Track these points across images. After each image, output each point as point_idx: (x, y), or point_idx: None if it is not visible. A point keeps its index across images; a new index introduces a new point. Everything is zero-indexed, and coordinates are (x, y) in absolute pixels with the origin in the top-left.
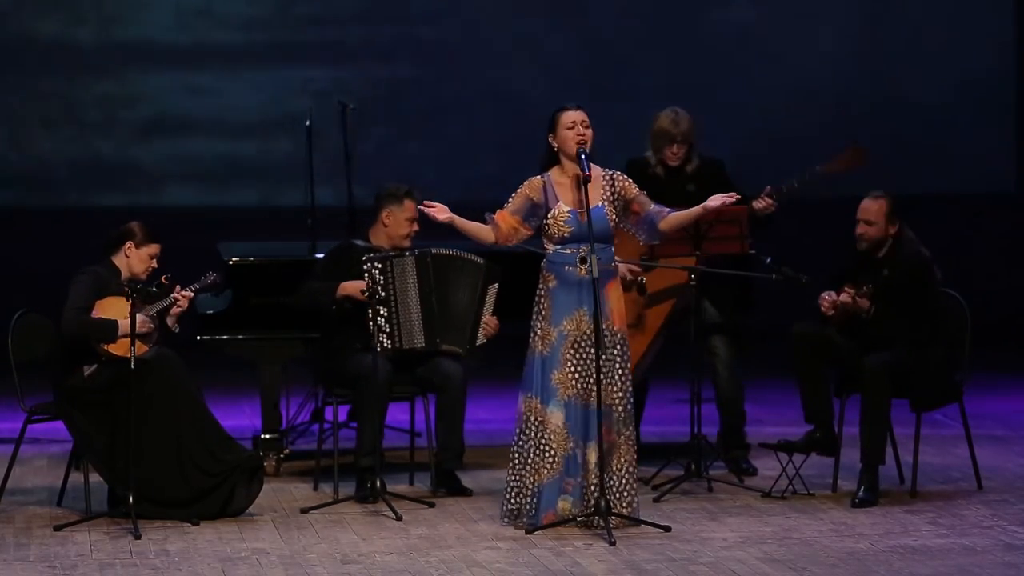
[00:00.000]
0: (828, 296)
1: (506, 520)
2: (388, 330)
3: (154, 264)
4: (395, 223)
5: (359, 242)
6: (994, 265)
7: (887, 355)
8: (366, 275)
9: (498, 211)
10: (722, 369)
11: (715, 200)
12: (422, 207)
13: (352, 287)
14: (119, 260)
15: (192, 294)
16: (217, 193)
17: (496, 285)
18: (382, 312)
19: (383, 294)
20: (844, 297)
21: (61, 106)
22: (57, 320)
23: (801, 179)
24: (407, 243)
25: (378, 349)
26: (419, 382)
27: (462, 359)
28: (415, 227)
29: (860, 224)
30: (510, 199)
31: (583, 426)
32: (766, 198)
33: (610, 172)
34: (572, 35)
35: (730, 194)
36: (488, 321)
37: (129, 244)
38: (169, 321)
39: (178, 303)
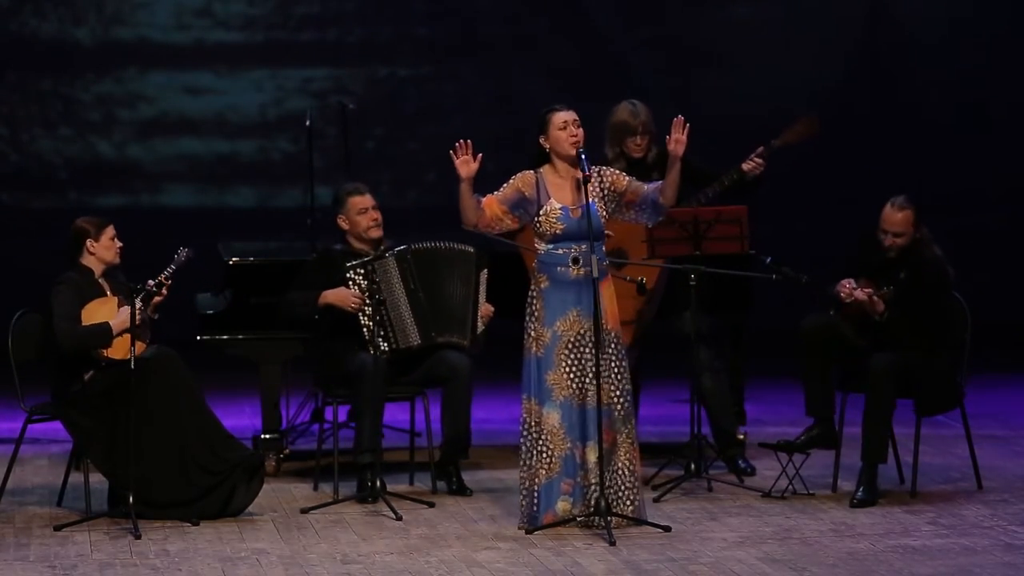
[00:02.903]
0: (848, 283)
1: (524, 522)
2: (383, 333)
3: (119, 244)
4: (351, 222)
5: (337, 246)
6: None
7: (894, 355)
8: (352, 284)
9: (487, 196)
10: (704, 371)
11: (676, 148)
12: (456, 151)
13: (334, 296)
14: (87, 260)
15: (169, 280)
16: (217, 193)
17: (486, 271)
18: (375, 317)
19: (370, 300)
20: (860, 294)
21: (61, 106)
22: (48, 328)
23: (759, 155)
24: (377, 232)
25: (376, 355)
26: (425, 377)
27: (466, 350)
28: (373, 215)
29: (888, 236)
30: (501, 188)
31: (580, 426)
32: (755, 159)
33: (597, 168)
34: (572, 35)
35: (676, 136)
36: (483, 307)
37: (88, 242)
38: (148, 309)
39: (161, 291)
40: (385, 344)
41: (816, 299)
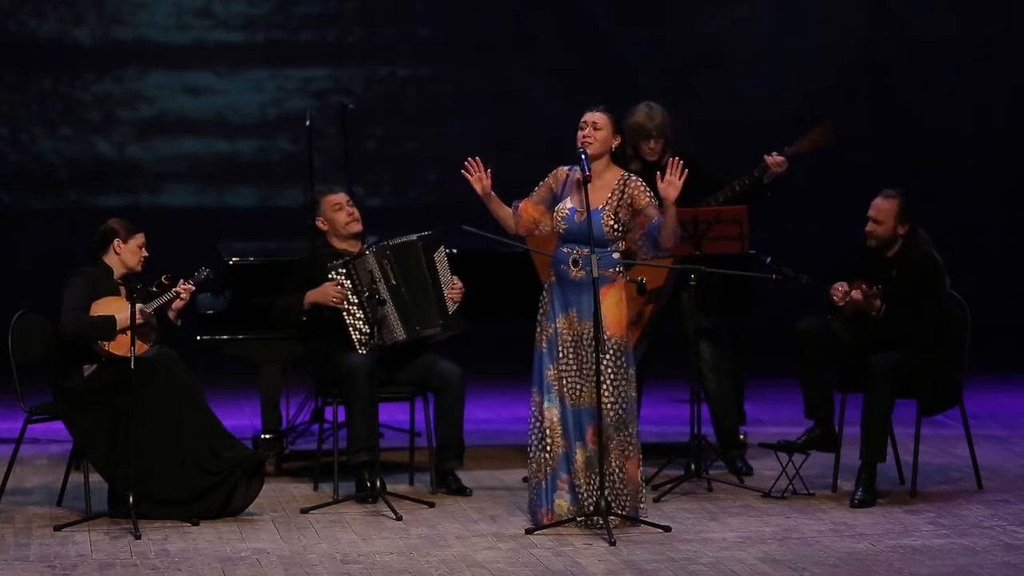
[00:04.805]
0: (841, 286)
1: (531, 515)
2: (369, 331)
3: (145, 253)
4: (329, 221)
5: (322, 247)
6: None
7: (895, 355)
8: (336, 284)
9: (523, 201)
10: (707, 371)
11: (667, 191)
12: (465, 168)
13: (318, 295)
14: (110, 259)
15: (194, 287)
16: (217, 193)
17: (442, 249)
18: (358, 315)
19: (368, 298)
20: (856, 294)
21: (61, 106)
22: (56, 320)
23: (781, 155)
24: (356, 227)
25: (363, 353)
26: (416, 383)
27: (446, 332)
28: (348, 210)
29: (869, 222)
30: (536, 188)
31: (571, 426)
32: (778, 156)
33: (625, 176)
34: (573, 35)
35: (669, 178)
36: (452, 286)
37: (116, 242)
38: (171, 315)
39: (180, 296)
40: (371, 341)
41: (817, 296)
